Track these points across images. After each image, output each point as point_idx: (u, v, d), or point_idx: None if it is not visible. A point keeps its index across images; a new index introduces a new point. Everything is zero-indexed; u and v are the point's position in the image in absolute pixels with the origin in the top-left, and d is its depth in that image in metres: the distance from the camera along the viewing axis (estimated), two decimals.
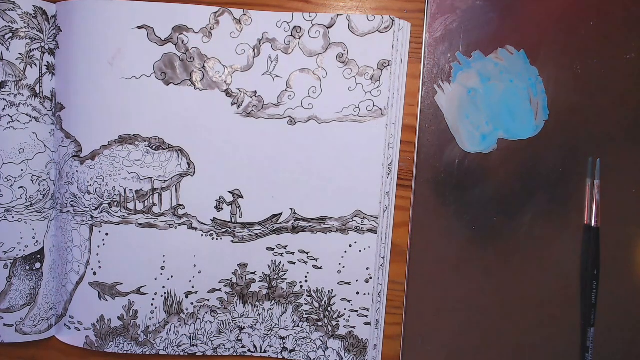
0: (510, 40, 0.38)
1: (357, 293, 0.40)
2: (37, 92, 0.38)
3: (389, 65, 0.37)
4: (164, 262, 0.40)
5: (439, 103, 0.38)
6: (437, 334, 0.40)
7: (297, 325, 0.41)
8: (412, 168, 0.39)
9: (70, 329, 0.41)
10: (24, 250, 0.40)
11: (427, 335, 0.40)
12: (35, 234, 0.41)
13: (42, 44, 0.35)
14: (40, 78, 0.38)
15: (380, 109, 0.38)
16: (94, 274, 0.40)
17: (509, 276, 0.40)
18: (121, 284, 0.40)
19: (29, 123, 0.37)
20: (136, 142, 0.38)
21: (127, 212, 0.39)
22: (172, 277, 0.40)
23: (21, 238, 0.40)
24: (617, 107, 0.38)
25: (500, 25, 0.37)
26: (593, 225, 0.39)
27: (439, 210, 0.39)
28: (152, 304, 0.41)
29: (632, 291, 0.40)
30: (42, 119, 0.39)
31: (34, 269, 0.41)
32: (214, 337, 0.41)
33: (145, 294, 0.40)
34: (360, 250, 0.40)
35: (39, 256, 0.41)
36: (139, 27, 0.37)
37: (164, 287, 0.40)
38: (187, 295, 0.40)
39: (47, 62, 0.38)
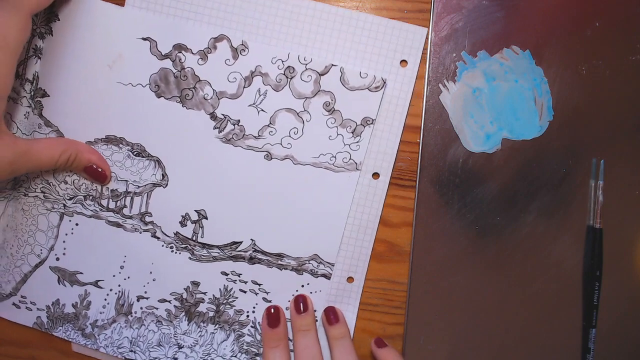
0: (516, 40, 0.37)
1: None
2: (20, 73, 0.39)
3: (372, 123, 0.37)
4: (124, 262, 0.41)
5: (443, 102, 0.38)
6: (439, 333, 0.41)
7: (235, 356, 0.42)
8: (416, 167, 0.39)
9: (20, 308, 0.43)
10: None
11: (428, 334, 0.41)
12: None
13: (33, 27, 0.34)
14: (26, 59, 0.39)
15: (356, 163, 0.38)
16: (57, 259, 0.41)
17: (511, 276, 0.40)
18: (81, 273, 0.42)
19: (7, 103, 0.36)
20: (120, 145, 0.40)
21: (99, 207, 0.40)
22: (128, 277, 0.41)
23: None
24: (622, 108, 0.38)
25: (506, 25, 0.37)
26: (596, 226, 0.38)
27: (442, 209, 0.39)
28: (105, 299, 0.42)
29: (634, 292, 0.39)
30: (20, 101, 0.40)
31: None
32: (152, 348, 0.42)
33: (101, 287, 0.42)
34: (311, 292, 0.40)
35: None
36: (144, 39, 0.38)
37: (119, 285, 0.41)
38: (138, 298, 0.41)
39: (36, 45, 0.39)
